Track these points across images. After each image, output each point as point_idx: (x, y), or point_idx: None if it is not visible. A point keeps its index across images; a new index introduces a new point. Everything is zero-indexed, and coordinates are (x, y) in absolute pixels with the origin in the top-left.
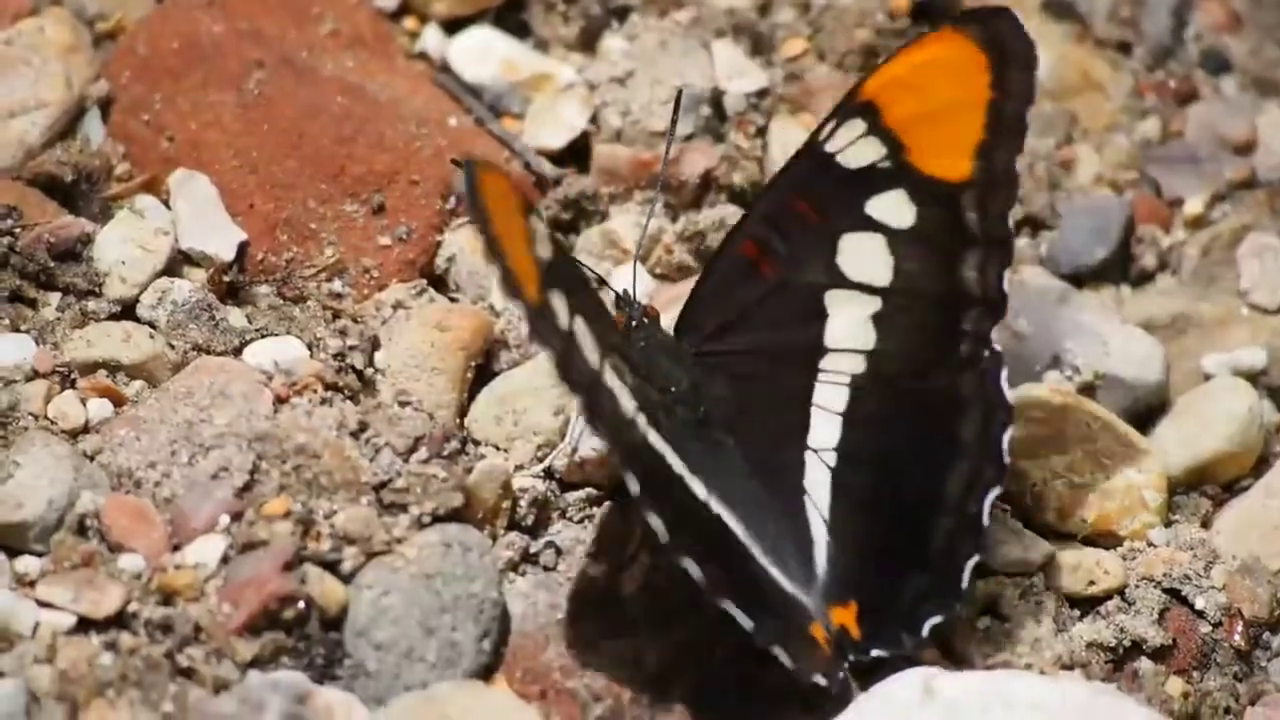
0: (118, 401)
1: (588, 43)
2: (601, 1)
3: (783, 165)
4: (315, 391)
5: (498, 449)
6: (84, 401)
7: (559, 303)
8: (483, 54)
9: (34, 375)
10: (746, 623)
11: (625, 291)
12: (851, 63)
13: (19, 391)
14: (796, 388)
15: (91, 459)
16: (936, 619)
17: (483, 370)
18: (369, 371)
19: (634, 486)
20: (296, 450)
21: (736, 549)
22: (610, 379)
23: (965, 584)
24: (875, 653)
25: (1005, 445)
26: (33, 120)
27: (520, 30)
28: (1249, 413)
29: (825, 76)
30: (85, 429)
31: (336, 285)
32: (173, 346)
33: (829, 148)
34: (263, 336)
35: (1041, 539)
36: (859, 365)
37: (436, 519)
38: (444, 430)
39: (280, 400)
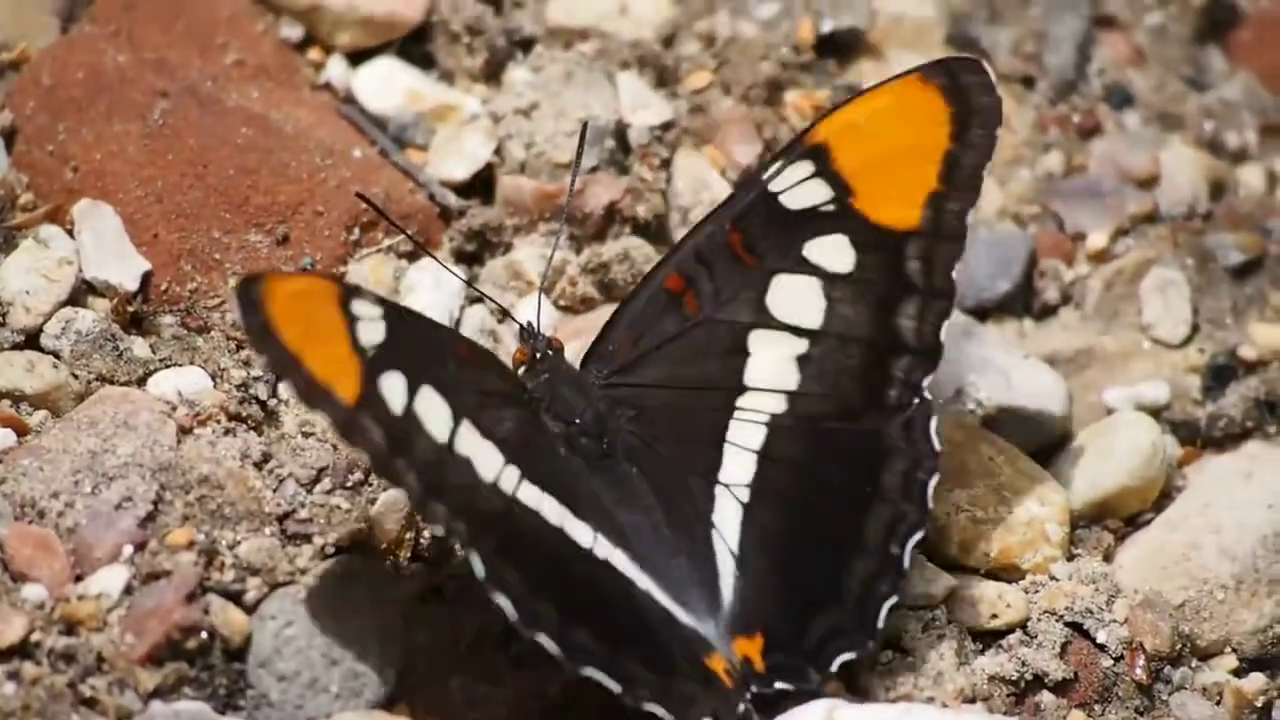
0: (21, 431)
1: (492, 74)
2: (506, 33)
3: (722, 200)
4: (219, 422)
5: None
6: None
7: (393, 385)
8: (387, 85)
9: None
10: (613, 686)
11: (529, 324)
12: (756, 95)
13: None
14: (710, 423)
15: None
16: (848, 655)
17: None
18: (273, 402)
19: (479, 569)
20: (200, 480)
21: (620, 595)
22: (465, 443)
23: (881, 624)
24: (779, 685)
25: (930, 493)
26: None
27: (425, 61)
28: (1151, 447)
29: (730, 109)
30: None
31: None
32: (76, 376)
33: (773, 186)
34: (166, 367)
35: (944, 572)
36: (779, 405)
37: (340, 550)
38: (348, 461)
39: (184, 430)
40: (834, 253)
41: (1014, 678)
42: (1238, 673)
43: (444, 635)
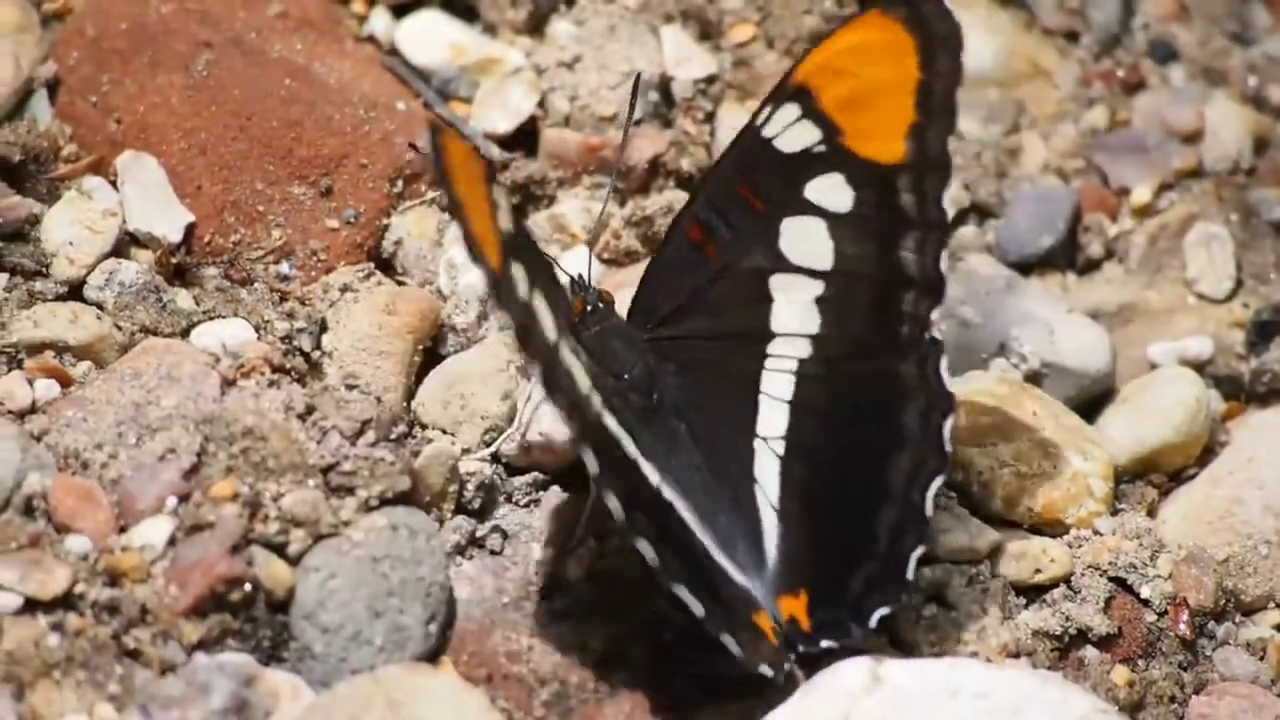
0: (65, 382)
1: (536, 27)
2: None
3: (724, 149)
4: (263, 374)
5: (445, 433)
6: (31, 382)
7: (520, 275)
8: (431, 37)
9: None
10: (698, 608)
11: (580, 276)
12: (799, 49)
13: None
14: (746, 374)
15: (38, 440)
16: (884, 610)
17: (430, 354)
18: (316, 354)
19: (592, 465)
20: (244, 433)
21: (687, 536)
22: (568, 357)
23: (910, 575)
24: (825, 644)
25: (947, 435)
26: None
27: (468, 14)
28: (1195, 402)
29: (773, 63)
30: (32, 409)
31: (284, 268)
32: (120, 328)
33: (766, 132)
34: (210, 319)
35: (988, 527)
36: (804, 350)
37: (384, 502)
38: (391, 414)
39: (228, 383)
40: (833, 192)
41: (1058, 633)
42: None
43: (487, 588)
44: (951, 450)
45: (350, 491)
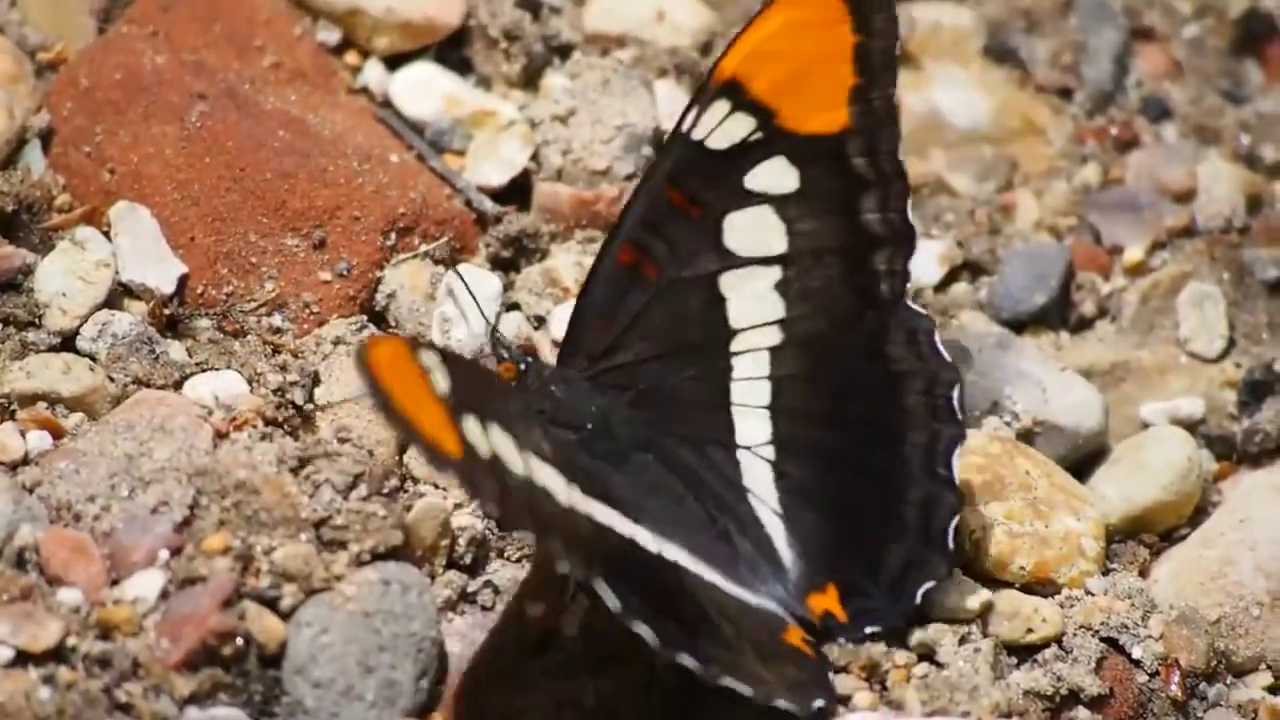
0: (57, 434)
1: (530, 80)
2: (544, 39)
3: (647, 166)
4: (255, 427)
5: (436, 487)
6: (23, 433)
7: (473, 429)
8: (424, 90)
9: None
10: (746, 689)
11: (498, 338)
12: None
13: None
14: (711, 385)
15: (30, 491)
16: (929, 584)
17: None
18: (309, 407)
19: (611, 600)
20: (236, 486)
21: (692, 592)
22: (539, 473)
23: (951, 546)
24: (869, 630)
25: (956, 404)
26: None
27: (462, 67)
28: (1187, 462)
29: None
30: (24, 461)
31: (277, 320)
32: (113, 379)
33: (696, 134)
34: (203, 370)
35: (980, 586)
36: (774, 337)
37: (376, 557)
38: (384, 468)
39: (220, 435)
40: (776, 175)
41: (1049, 693)
42: (1273, 689)
43: (479, 644)
44: (964, 417)
45: (342, 546)
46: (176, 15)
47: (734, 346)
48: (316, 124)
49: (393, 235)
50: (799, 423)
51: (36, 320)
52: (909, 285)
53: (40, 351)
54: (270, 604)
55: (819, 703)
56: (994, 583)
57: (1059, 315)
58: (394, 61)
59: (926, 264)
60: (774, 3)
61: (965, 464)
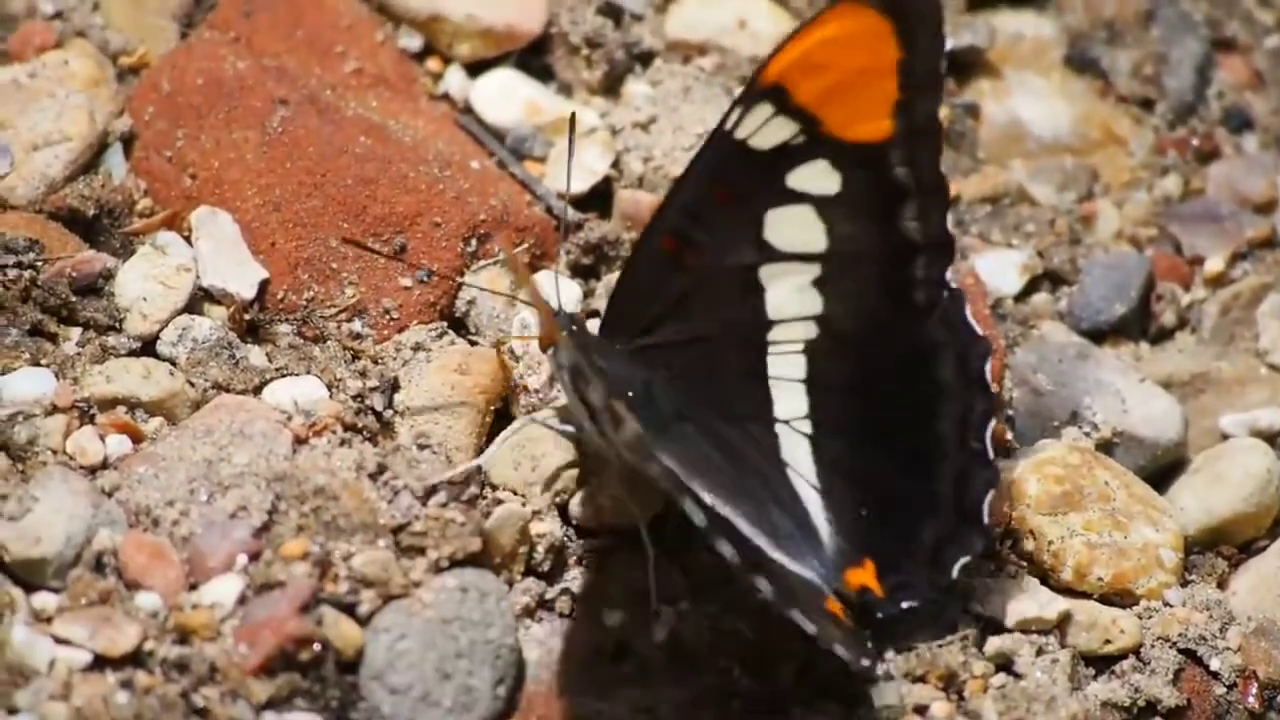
0: (136, 438)
1: (611, 87)
2: (625, 46)
3: (690, 159)
4: (334, 432)
5: (515, 494)
6: (103, 438)
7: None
8: (506, 97)
9: (53, 410)
10: (810, 626)
11: (552, 305)
12: None
13: (38, 426)
14: (748, 366)
15: (110, 495)
16: (965, 559)
17: (501, 414)
18: (388, 413)
19: (698, 517)
20: (315, 491)
21: (753, 548)
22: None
23: (987, 519)
24: (906, 605)
25: (988, 376)
26: (55, 154)
27: (544, 74)
28: (1266, 473)
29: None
30: (104, 465)
31: (356, 325)
32: (192, 384)
33: (738, 134)
34: (282, 376)
35: (1058, 596)
36: (810, 330)
37: (454, 563)
38: (464, 474)
39: (299, 440)
40: (818, 177)
41: (1127, 704)
42: None
43: (556, 651)
44: (997, 391)
45: (421, 552)
46: (258, 21)
47: (772, 335)
48: (398, 130)
49: (473, 242)
50: (835, 397)
51: (117, 324)
52: (945, 293)
53: (120, 356)
54: (348, 610)
55: (866, 661)
56: (1072, 593)
57: (1139, 326)
58: (475, 68)
59: (1006, 273)
60: (821, 15)
61: (1044, 474)
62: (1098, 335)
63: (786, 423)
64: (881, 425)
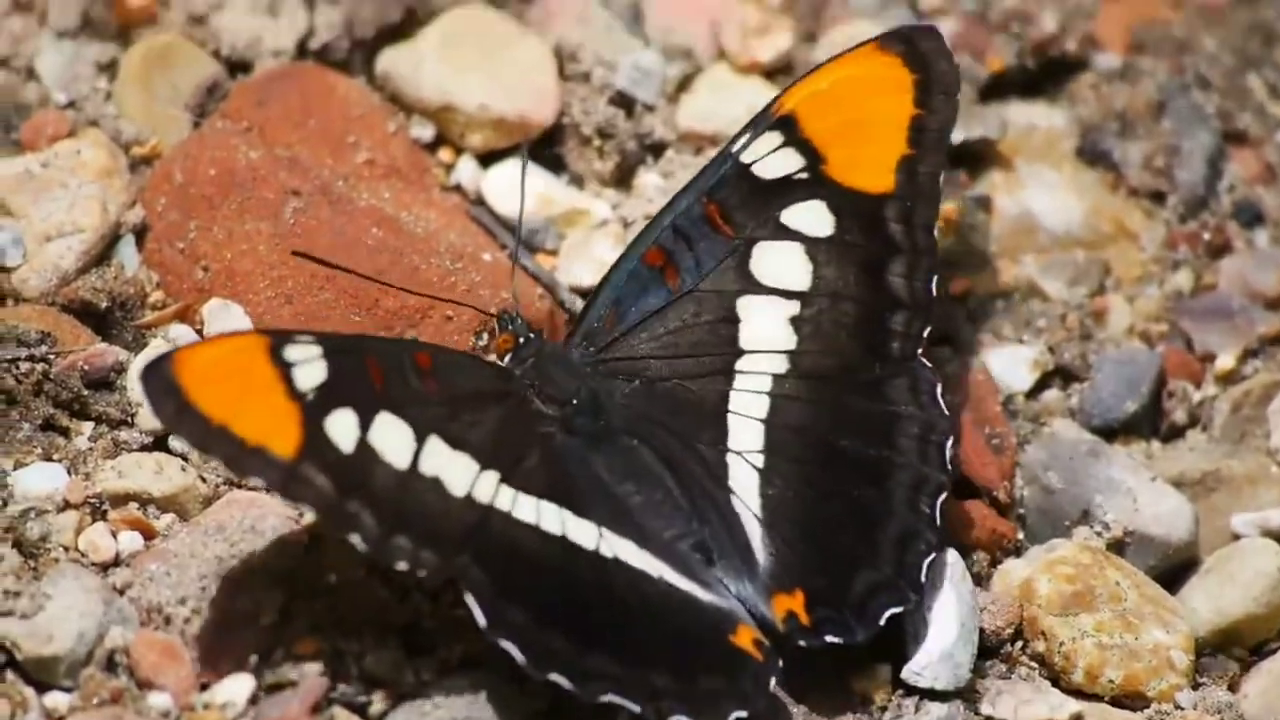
0: (148, 535)
1: (622, 179)
2: (637, 138)
3: (695, 174)
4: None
5: None
6: (115, 534)
7: (342, 423)
8: (517, 188)
9: (65, 506)
10: (634, 707)
11: (504, 312)
12: None
13: (50, 522)
14: (712, 390)
15: (121, 593)
16: (894, 610)
17: None
18: None
19: (479, 617)
20: (326, 589)
21: (634, 595)
22: (431, 462)
23: (924, 579)
24: (829, 639)
25: (948, 455)
26: (68, 245)
27: (555, 165)
28: (1277, 574)
29: None
30: (116, 562)
31: None
32: (204, 480)
33: (744, 158)
34: None
35: (1069, 698)
36: (780, 365)
37: (465, 663)
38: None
39: (311, 538)
40: (812, 218)
41: None
42: None
43: None
44: (953, 469)
45: (431, 651)
46: (271, 111)
47: (740, 364)
48: (409, 221)
49: (484, 335)
50: (791, 439)
51: (129, 419)
52: (920, 349)
53: (133, 451)
54: (359, 710)
55: (738, 715)
56: (1083, 695)
57: (1150, 423)
58: (487, 159)
59: (1018, 369)
60: (848, 53)
61: (1055, 574)
62: (1109, 432)
63: (739, 453)
64: (833, 473)
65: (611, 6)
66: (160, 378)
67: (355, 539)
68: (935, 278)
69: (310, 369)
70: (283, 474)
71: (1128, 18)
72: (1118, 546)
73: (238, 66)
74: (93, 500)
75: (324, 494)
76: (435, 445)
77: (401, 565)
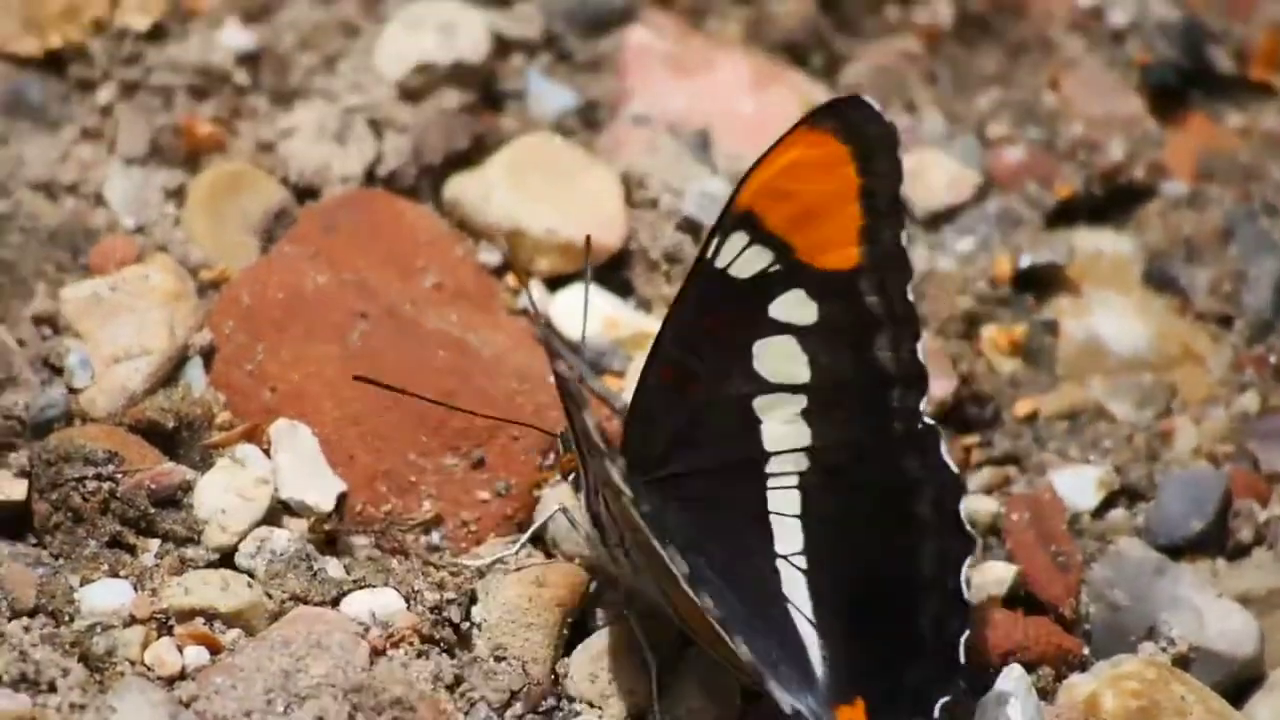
0: (214, 649)
1: None
2: None
3: (679, 289)
4: (412, 644)
5: (592, 706)
6: (181, 649)
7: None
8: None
9: (131, 621)
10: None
11: (564, 433)
12: (953, 329)
13: (116, 637)
14: (752, 498)
15: (187, 706)
16: (945, 699)
17: (578, 626)
18: (465, 625)
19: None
20: (392, 702)
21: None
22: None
23: (962, 659)
24: None
25: (964, 515)
26: (136, 367)
27: (622, 289)
28: None
29: (926, 342)
30: (181, 676)
31: (434, 538)
32: (270, 595)
33: (718, 264)
34: (360, 588)
35: None
36: (802, 463)
37: None
38: (541, 687)
39: (377, 652)
40: (796, 307)
41: None
42: None
43: None
44: (972, 531)
45: None
46: (338, 237)
47: (770, 467)
48: (477, 344)
49: (551, 455)
50: (826, 531)
51: (195, 537)
52: (920, 424)
53: (199, 568)
54: None
55: None
56: None
57: (1216, 542)
58: (554, 283)
59: (1084, 489)
60: (785, 138)
61: (1121, 689)
62: (1174, 551)
63: (785, 558)
64: (867, 560)
65: (680, 135)
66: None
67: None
68: (921, 346)
69: None
70: None
71: (1195, 146)
72: (1183, 662)
73: (305, 193)
74: (159, 615)
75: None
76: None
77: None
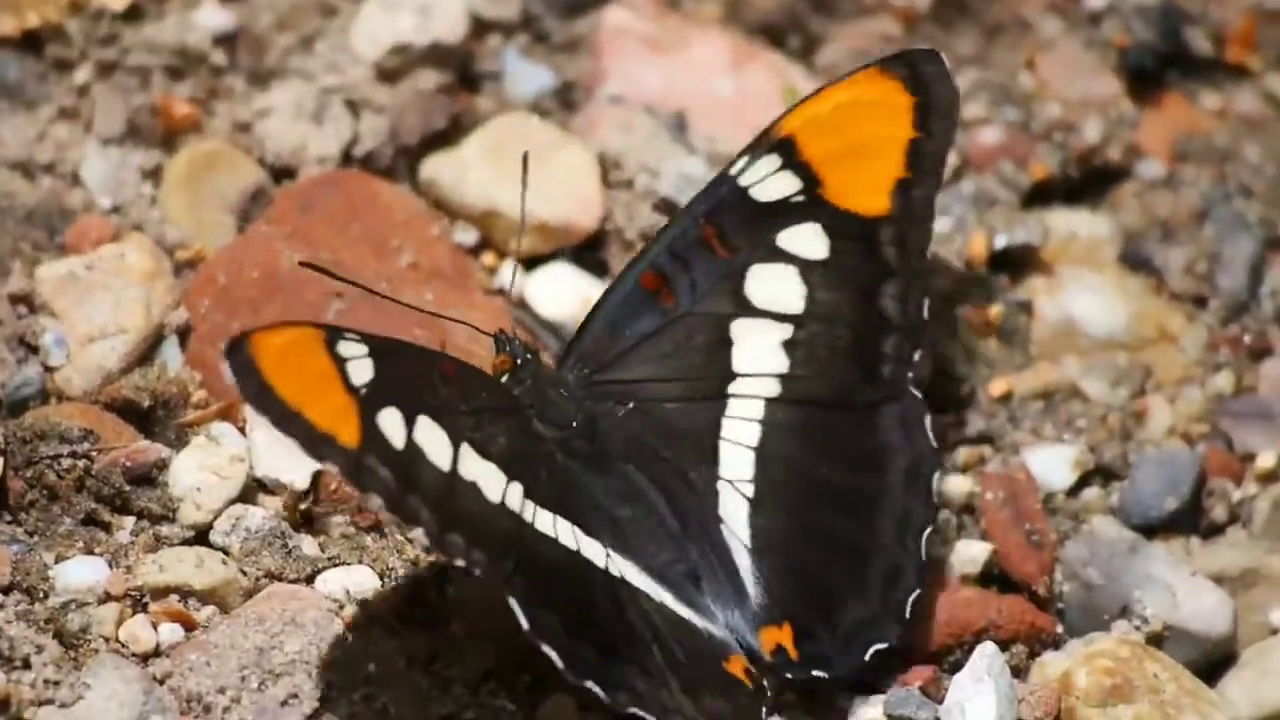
0: (189, 626)
1: None
2: None
3: (692, 198)
4: (386, 621)
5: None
6: (155, 625)
7: (391, 420)
8: (560, 290)
9: (106, 598)
10: (603, 694)
11: (501, 332)
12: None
13: (91, 614)
14: (704, 416)
15: (161, 683)
16: (880, 645)
17: None
18: (439, 603)
19: (523, 621)
20: (366, 679)
21: (641, 613)
22: (468, 467)
23: (908, 615)
24: (815, 674)
25: (934, 489)
26: (112, 345)
27: (598, 268)
28: None
29: None
30: (156, 653)
31: None
32: (245, 573)
33: (742, 181)
34: (335, 565)
35: None
36: (772, 388)
37: None
38: (515, 662)
39: (351, 629)
40: (808, 241)
41: None
42: None
43: None
44: (938, 504)
45: None
46: (314, 216)
47: (732, 388)
48: (452, 323)
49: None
50: (782, 469)
51: (170, 514)
52: (911, 375)
53: (173, 545)
54: None
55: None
56: None
57: (1190, 521)
58: (530, 263)
59: (1058, 468)
60: (846, 78)
61: (1094, 667)
62: (1149, 530)
63: (730, 482)
64: (822, 505)
65: (657, 116)
66: (241, 357)
67: (419, 534)
68: (927, 301)
69: (360, 366)
70: (350, 462)
71: (1171, 127)
72: (1157, 641)
73: (282, 173)
74: (134, 593)
75: (387, 486)
76: (468, 452)
77: (460, 562)
